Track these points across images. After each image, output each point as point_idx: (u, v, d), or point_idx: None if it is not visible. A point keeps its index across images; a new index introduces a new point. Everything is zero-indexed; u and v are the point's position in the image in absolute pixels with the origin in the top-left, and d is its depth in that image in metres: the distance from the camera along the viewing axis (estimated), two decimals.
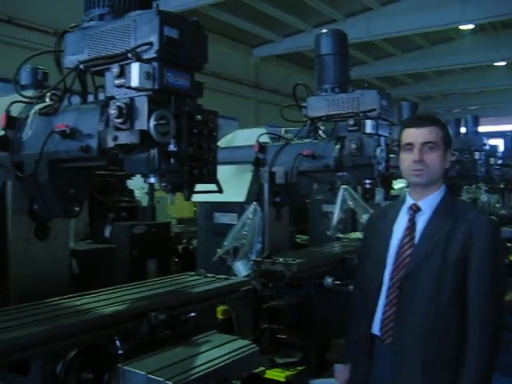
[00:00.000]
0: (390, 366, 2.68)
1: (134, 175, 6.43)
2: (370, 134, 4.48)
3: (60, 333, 2.31)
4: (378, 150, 4.50)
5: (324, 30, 4.94)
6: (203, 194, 3.08)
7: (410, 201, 2.81)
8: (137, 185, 7.22)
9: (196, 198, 5.28)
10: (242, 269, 4.48)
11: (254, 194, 4.93)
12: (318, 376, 4.68)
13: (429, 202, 2.75)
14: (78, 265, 3.61)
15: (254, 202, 4.62)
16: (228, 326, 4.50)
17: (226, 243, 4.62)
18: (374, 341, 2.78)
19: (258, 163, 4.94)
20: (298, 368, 4.76)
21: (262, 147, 4.97)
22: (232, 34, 17.72)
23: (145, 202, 7.56)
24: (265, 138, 5.20)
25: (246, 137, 5.41)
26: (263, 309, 4.59)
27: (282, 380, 4.59)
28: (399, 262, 2.69)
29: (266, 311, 4.60)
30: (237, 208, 4.95)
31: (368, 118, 4.45)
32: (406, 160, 2.73)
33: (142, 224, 5.60)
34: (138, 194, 7.20)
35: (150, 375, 2.28)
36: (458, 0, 14.58)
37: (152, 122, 2.36)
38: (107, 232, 5.65)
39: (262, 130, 5.27)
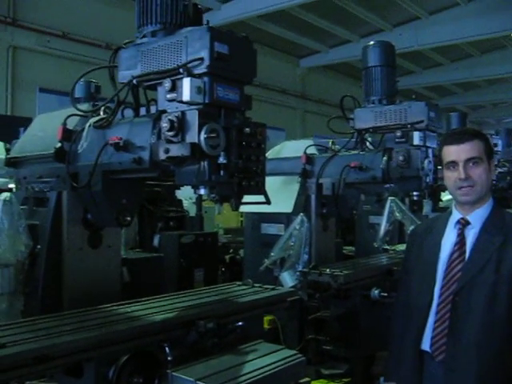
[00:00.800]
0: (442, 382, 2.64)
1: (183, 186, 6.60)
2: (417, 146, 4.46)
3: (112, 338, 2.39)
4: (426, 162, 4.48)
5: (371, 42, 4.96)
6: (251, 204, 3.13)
7: (457, 215, 2.78)
8: (185, 195, 7.36)
9: (244, 208, 5.39)
10: (288, 279, 4.50)
11: (301, 205, 4.97)
12: None
13: (478, 216, 2.71)
14: (128, 273, 3.71)
15: (301, 213, 4.65)
16: (274, 336, 4.53)
17: (272, 253, 4.66)
18: (424, 357, 2.73)
19: (305, 174, 4.98)
20: (344, 380, 4.76)
21: (310, 159, 5.01)
22: (279, 45, 17.86)
23: (192, 211, 7.70)
24: (312, 150, 5.23)
25: (293, 148, 5.45)
26: (309, 320, 4.61)
27: None
28: (450, 277, 2.66)
29: (312, 322, 4.62)
30: (284, 219, 4.99)
31: (416, 129, 4.44)
32: (451, 178, 2.70)
33: (190, 234, 5.71)
34: (185, 203, 7.32)
35: (198, 382, 2.33)
36: (510, 6, 14.28)
37: (203, 135, 2.43)
38: (156, 241, 5.77)
39: (309, 142, 5.31)
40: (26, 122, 5.38)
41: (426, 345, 2.71)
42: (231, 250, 6.74)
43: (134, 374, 2.32)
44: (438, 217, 3.14)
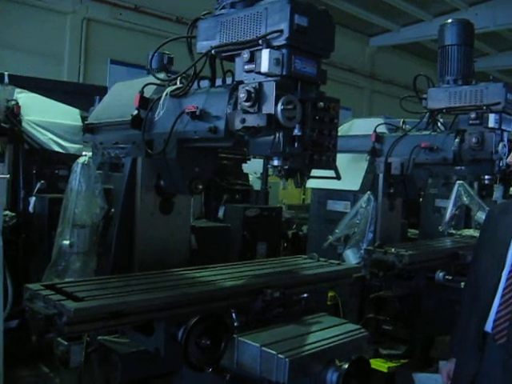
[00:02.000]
0: (501, 365, 2.63)
1: (249, 159, 6.68)
2: (492, 129, 4.34)
3: (184, 300, 2.48)
4: (500, 146, 4.36)
5: (449, 20, 4.81)
6: (321, 179, 3.14)
7: None
8: (251, 169, 7.45)
9: (310, 184, 5.43)
10: (351, 257, 4.51)
11: (369, 183, 4.95)
12: (420, 371, 4.64)
13: None
14: (196, 241, 3.80)
15: (369, 192, 4.63)
16: (334, 313, 4.57)
17: (337, 230, 4.67)
18: (486, 338, 2.74)
19: (374, 153, 4.94)
20: (402, 361, 4.75)
21: (379, 137, 4.96)
22: (349, 22, 17.57)
23: (257, 186, 7.78)
24: (382, 129, 5.17)
25: (362, 126, 5.41)
26: (370, 298, 4.61)
27: (385, 371, 4.61)
28: None
29: (373, 301, 4.62)
30: (350, 196, 4.99)
31: (491, 111, 4.32)
32: None
33: (254, 207, 5.78)
34: (250, 178, 7.40)
35: (263, 348, 2.39)
36: None
37: (279, 107, 2.44)
38: (221, 213, 5.88)
39: (380, 120, 5.25)
40: (101, 90, 5.57)
41: (489, 326, 2.72)
42: (294, 226, 6.80)
43: (203, 336, 2.39)
44: None
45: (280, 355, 2.33)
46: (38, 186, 5.15)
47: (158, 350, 2.51)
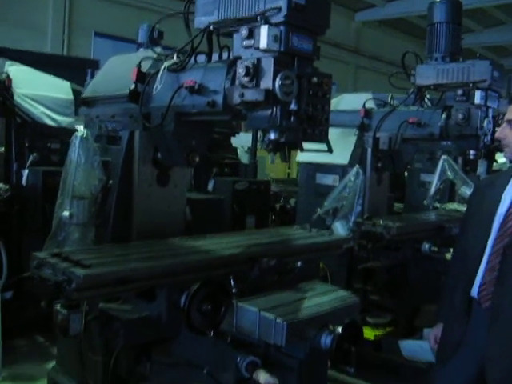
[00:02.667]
0: (486, 329, 2.77)
1: (238, 133, 6.75)
2: (478, 105, 4.46)
3: (185, 267, 2.59)
4: (486, 122, 4.48)
5: None
6: (311, 152, 3.24)
7: None
8: (238, 143, 7.52)
9: (300, 158, 5.53)
10: (340, 229, 4.63)
11: (357, 157, 5.06)
12: (406, 338, 4.81)
13: None
14: (190, 212, 3.89)
15: (357, 166, 4.74)
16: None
17: (326, 203, 4.78)
18: (472, 304, 2.89)
19: (362, 128, 5.05)
20: (387, 329, 4.93)
21: (368, 112, 5.07)
22: None
23: (244, 159, 7.86)
24: (370, 104, 5.27)
25: (351, 101, 5.50)
26: (358, 269, 4.76)
27: (372, 338, 4.78)
28: (504, 230, 2.77)
29: (360, 272, 4.77)
30: (339, 170, 5.10)
31: (478, 88, 4.43)
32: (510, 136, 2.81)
33: (244, 180, 5.88)
34: (238, 152, 7.48)
35: (262, 312, 2.52)
36: None
37: (278, 82, 2.53)
38: (210, 186, 5.97)
39: (368, 96, 5.34)
40: (93, 63, 5.59)
41: (474, 291, 2.86)
42: (281, 199, 6.91)
43: (204, 302, 2.50)
44: (502, 173, 3.24)
45: (278, 319, 2.45)
46: (31, 159, 5.19)
47: (160, 316, 2.63)
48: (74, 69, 5.82)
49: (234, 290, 2.71)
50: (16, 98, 5.23)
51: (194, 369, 2.81)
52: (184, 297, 2.49)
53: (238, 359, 2.57)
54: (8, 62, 5.31)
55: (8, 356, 4.55)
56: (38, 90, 5.40)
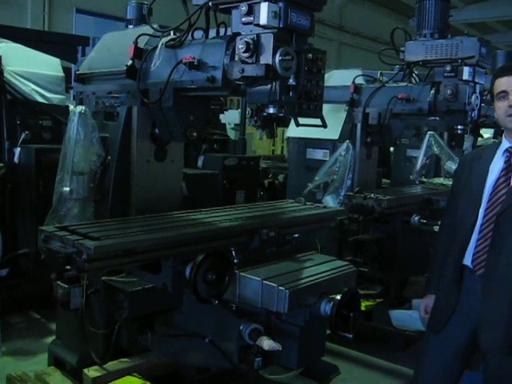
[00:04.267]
0: (478, 296, 2.89)
1: (226, 110, 6.79)
2: (466, 81, 4.55)
3: (189, 238, 2.67)
4: (473, 97, 4.58)
5: None
6: (304, 127, 3.32)
7: (506, 143, 2.99)
8: (226, 119, 7.57)
9: (290, 133, 5.59)
10: (331, 202, 4.73)
11: (347, 132, 5.14)
12: (395, 309, 4.96)
13: None
14: (186, 187, 3.96)
15: (348, 140, 4.83)
16: None
17: (317, 178, 4.87)
18: (464, 272, 3.00)
19: (352, 103, 5.13)
20: (377, 300, 5.06)
21: (358, 88, 5.15)
22: None
23: (232, 136, 7.92)
24: (360, 80, 5.34)
25: (341, 77, 5.56)
26: (349, 242, 4.87)
27: (363, 309, 4.91)
28: (495, 199, 2.88)
29: (350, 244, 4.88)
30: (329, 145, 5.19)
31: (466, 64, 4.52)
32: (502, 107, 2.92)
33: (233, 156, 5.94)
34: (227, 128, 7.53)
35: (264, 281, 2.61)
36: None
37: (277, 58, 2.59)
38: (200, 162, 6.02)
39: (358, 72, 5.42)
40: (84, 40, 5.58)
41: (467, 260, 2.96)
42: (270, 175, 7.00)
43: (208, 271, 2.58)
44: (487, 146, 3.33)
45: (280, 287, 2.54)
46: (23, 136, 5.17)
47: (166, 286, 2.70)
48: (63, 45, 5.79)
49: (235, 261, 2.79)
50: (6, 75, 5.20)
51: (196, 338, 2.90)
52: (189, 267, 2.56)
53: (241, 327, 2.66)
54: None
55: (5, 332, 4.60)
56: (28, 67, 5.38)
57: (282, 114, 2.86)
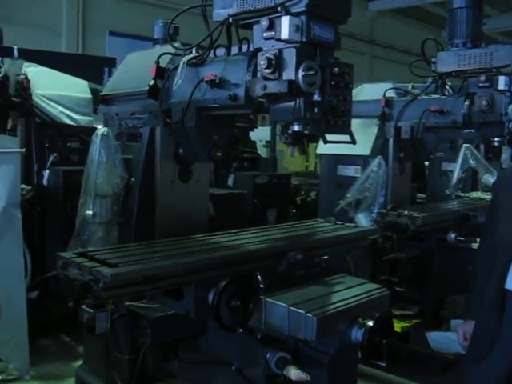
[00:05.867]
0: None
1: (256, 127, 6.72)
2: (502, 91, 4.37)
3: (212, 263, 2.57)
4: (510, 108, 4.38)
5: None
6: (333, 144, 3.20)
7: None
8: (256, 137, 7.49)
9: (321, 150, 5.48)
10: (363, 220, 4.58)
11: (379, 148, 5.00)
12: (433, 330, 4.76)
13: None
14: (213, 207, 3.87)
15: (379, 156, 4.68)
16: None
17: (348, 195, 4.74)
18: (506, 297, 2.79)
19: (383, 118, 4.99)
20: (414, 321, 4.87)
21: (389, 102, 5.00)
22: None
23: (263, 153, 7.83)
24: (391, 93, 5.20)
25: (371, 91, 5.43)
26: (383, 260, 4.70)
27: (399, 330, 4.72)
28: None
29: (385, 263, 4.71)
30: (361, 161, 5.05)
31: (501, 73, 4.35)
32: None
33: (264, 174, 5.85)
34: (257, 145, 7.45)
35: (291, 307, 2.47)
36: None
37: (300, 73, 2.48)
38: (230, 181, 5.95)
39: (388, 85, 5.27)
40: (110, 61, 5.58)
41: (509, 283, 2.76)
42: (302, 192, 6.87)
43: (232, 298, 2.47)
44: None
45: (308, 314, 2.40)
46: (51, 159, 5.19)
47: (189, 313, 2.60)
48: (90, 67, 5.81)
49: (261, 286, 2.67)
50: (34, 98, 5.23)
51: (222, 365, 2.79)
52: (212, 293, 2.46)
53: (268, 355, 2.54)
54: (25, 64, 5.30)
55: (35, 355, 4.56)
56: (56, 90, 5.40)
57: (307, 132, 2.74)
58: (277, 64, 2.55)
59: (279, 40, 2.57)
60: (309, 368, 2.55)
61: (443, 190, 5.89)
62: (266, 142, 8.77)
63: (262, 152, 8.14)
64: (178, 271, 2.47)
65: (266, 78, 2.60)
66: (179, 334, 2.91)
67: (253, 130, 6.81)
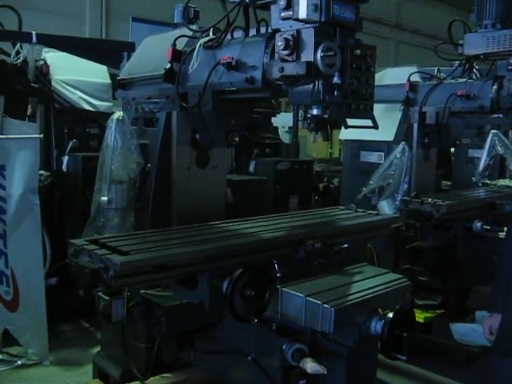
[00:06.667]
0: None
1: (279, 112, 6.61)
2: None
3: (226, 251, 2.49)
4: None
5: None
6: (355, 128, 3.09)
7: None
8: (279, 123, 7.38)
9: (343, 135, 5.36)
10: (386, 208, 4.47)
11: (403, 133, 4.86)
12: (457, 321, 4.63)
13: None
14: (232, 194, 3.79)
15: (403, 142, 4.55)
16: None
17: (371, 182, 4.63)
18: None
19: (408, 102, 4.85)
20: (437, 311, 4.75)
21: (413, 86, 4.86)
22: None
23: (285, 139, 7.73)
24: (415, 78, 5.05)
25: (395, 75, 5.28)
26: (406, 249, 4.59)
27: (421, 321, 4.61)
28: None
29: (408, 252, 4.59)
30: (384, 147, 4.93)
31: None
32: None
33: (285, 160, 5.75)
34: (279, 131, 7.35)
35: (308, 298, 2.39)
36: None
37: (319, 54, 2.37)
38: (251, 167, 5.87)
39: (413, 69, 5.12)
40: (129, 46, 5.51)
41: None
42: (325, 179, 6.77)
43: (247, 287, 2.39)
44: None
45: (325, 305, 2.32)
46: (71, 144, 5.17)
47: (203, 303, 2.53)
48: (109, 52, 5.75)
49: (278, 275, 2.59)
50: (54, 83, 5.20)
51: (238, 356, 2.73)
52: (226, 283, 2.38)
53: (284, 346, 2.47)
54: (45, 49, 5.27)
55: (54, 341, 4.58)
56: (75, 76, 5.36)
57: (326, 116, 2.64)
58: (295, 45, 2.45)
59: (297, 20, 2.46)
60: (326, 360, 2.48)
61: (469, 177, 5.73)
62: (290, 127, 8.66)
63: (285, 138, 8.04)
64: (190, 260, 2.40)
65: (283, 60, 2.50)
66: (195, 323, 2.85)
67: (275, 116, 6.69)
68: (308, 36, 2.44)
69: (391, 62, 19.23)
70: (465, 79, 4.71)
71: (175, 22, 6.27)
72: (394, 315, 2.41)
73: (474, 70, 4.92)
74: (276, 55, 2.56)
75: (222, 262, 2.48)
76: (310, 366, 2.34)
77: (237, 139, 3.14)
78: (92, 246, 2.41)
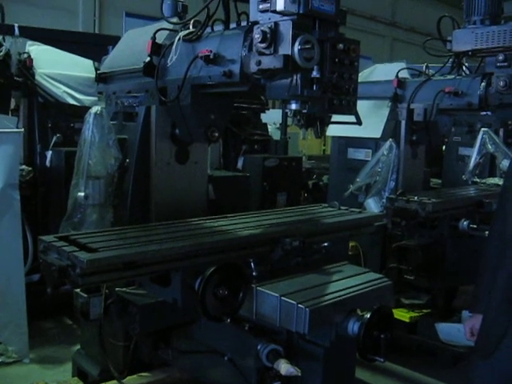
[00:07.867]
0: None
1: (268, 109, 6.53)
2: None
3: (200, 249, 2.42)
4: None
5: None
6: (341, 125, 3.03)
7: None
8: (269, 119, 7.30)
9: (330, 132, 5.30)
10: (373, 206, 4.42)
11: (390, 130, 4.80)
12: (443, 321, 4.58)
13: None
14: (213, 190, 3.73)
15: (390, 139, 4.50)
16: (355, 263, 4.49)
17: (358, 179, 4.57)
18: None
19: (396, 99, 4.78)
20: (424, 310, 4.71)
21: (401, 83, 4.80)
22: None
23: (276, 136, 7.65)
24: (404, 74, 4.99)
25: (383, 72, 5.23)
26: (392, 248, 4.54)
27: (407, 321, 4.57)
28: None
29: (395, 250, 4.54)
30: (372, 144, 4.87)
31: None
32: None
33: (274, 157, 5.68)
34: (269, 128, 7.27)
35: (283, 297, 2.33)
36: None
37: (296, 47, 2.31)
38: (240, 163, 5.79)
39: (402, 65, 5.06)
40: (115, 40, 5.42)
41: None
42: (314, 176, 6.70)
43: (220, 286, 2.33)
44: None
45: (300, 305, 2.27)
46: (54, 139, 5.07)
47: (176, 301, 2.47)
48: (96, 46, 5.66)
49: (254, 273, 2.54)
50: (37, 77, 5.11)
51: (215, 355, 2.67)
52: (198, 281, 2.32)
53: (259, 347, 2.41)
54: (29, 42, 5.18)
55: (36, 338, 4.52)
56: (60, 69, 5.26)
57: (305, 111, 2.57)
58: (272, 38, 2.39)
59: (275, 12, 2.40)
60: (303, 361, 2.43)
61: (460, 175, 5.67)
62: (280, 124, 8.58)
63: (275, 135, 7.95)
64: (162, 257, 2.33)
65: (260, 53, 2.44)
66: (170, 321, 2.80)
67: (264, 112, 6.61)
68: (286, 28, 2.38)
69: (386, 59, 19.18)
70: (453, 76, 4.65)
71: (165, 16, 6.20)
72: (370, 316, 2.35)
73: (464, 67, 4.86)
74: (253, 48, 2.49)
75: (196, 260, 2.42)
76: (284, 367, 2.28)
77: (216, 134, 3.08)
78: (61, 243, 2.35)
